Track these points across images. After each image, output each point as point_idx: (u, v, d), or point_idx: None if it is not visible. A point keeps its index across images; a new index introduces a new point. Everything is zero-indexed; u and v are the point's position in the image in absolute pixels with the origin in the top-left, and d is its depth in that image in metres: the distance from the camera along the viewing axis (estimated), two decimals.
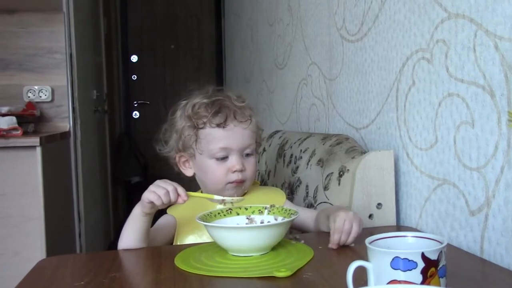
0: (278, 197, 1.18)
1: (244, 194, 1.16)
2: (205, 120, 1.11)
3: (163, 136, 1.19)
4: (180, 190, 0.97)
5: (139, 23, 4.56)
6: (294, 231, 1.20)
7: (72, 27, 2.53)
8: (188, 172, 1.18)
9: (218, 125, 1.11)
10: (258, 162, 1.85)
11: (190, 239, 1.10)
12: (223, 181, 1.11)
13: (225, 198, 1.05)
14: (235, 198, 1.07)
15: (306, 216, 1.12)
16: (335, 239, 0.92)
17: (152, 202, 0.96)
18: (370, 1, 1.28)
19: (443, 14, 0.97)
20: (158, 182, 0.98)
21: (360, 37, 1.35)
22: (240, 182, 1.11)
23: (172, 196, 0.96)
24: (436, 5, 0.99)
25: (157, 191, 0.95)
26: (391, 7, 1.17)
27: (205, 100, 1.14)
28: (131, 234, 1.00)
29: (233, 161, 1.10)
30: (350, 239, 0.92)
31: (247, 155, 1.13)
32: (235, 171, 1.10)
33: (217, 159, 1.11)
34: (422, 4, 1.04)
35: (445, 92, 0.97)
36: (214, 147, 1.10)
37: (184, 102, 1.18)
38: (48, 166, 2.05)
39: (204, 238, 1.09)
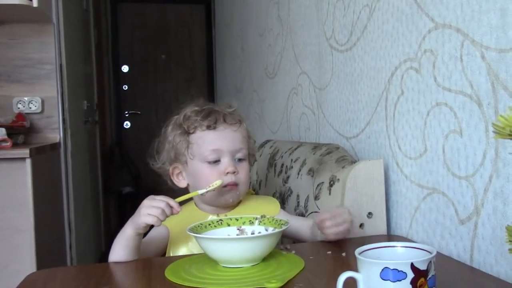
0: (272, 206, 1.18)
1: (238, 204, 1.17)
2: (196, 124, 1.13)
3: (156, 151, 1.19)
4: (172, 202, 0.97)
5: (129, 34, 4.56)
6: (287, 240, 1.20)
7: (62, 38, 2.52)
8: (181, 183, 1.18)
9: (208, 127, 1.12)
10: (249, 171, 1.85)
11: (183, 250, 1.10)
12: None
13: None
14: (229, 213, 1.09)
15: (301, 225, 1.12)
16: (324, 215, 0.97)
17: (151, 225, 0.96)
18: (358, 11, 1.29)
19: (430, 24, 0.98)
20: (147, 202, 0.97)
21: (349, 47, 1.36)
22: (234, 185, 1.11)
23: (168, 212, 0.96)
24: (424, 16, 1.00)
25: (153, 213, 0.95)
26: (379, 18, 1.18)
27: (195, 108, 1.16)
28: (124, 251, 0.99)
29: (225, 163, 1.10)
30: (332, 230, 0.96)
31: (240, 160, 1.13)
32: (227, 173, 1.10)
33: (209, 162, 1.11)
34: (410, 14, 1.05)
35: (433, 101, 0.98)
36: (205, 149, 1.11)
37: (176, 116, 1.19)
38: (38, 177, 2.04)
39: (196, 248, 1.08)
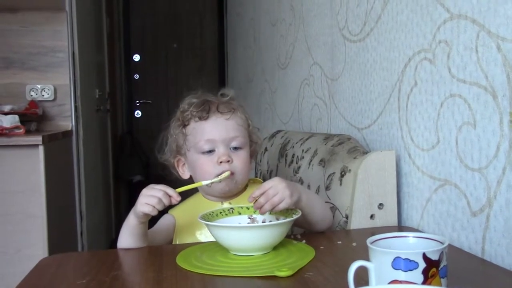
0: None
1: (243, 191, 1.17)
2: (189, 116, 1.14)
3: (163, 144, 1.21)
4: (170, 191, 0.97)
5: (141, 22, 4.56)
6: (298, 229, 1.20)
7: (74, 26, 2.53)
8: (185, 175, 1.19)
9: (201, 118, 1.12)
10: (260, 161, 1.85)
11: (189, 239, 1.10)
12: (211, 174, 1.09)
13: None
14: (233, 201, 1.11)
15: None
16: (255, 193, 0.95)
17: (148, 214, 0.96)
18: (372, 1, 1.28)
19: (446, 14, 0.97)
20: (145, 191, 0.96)
21: (362, 37, 1.35)
22: (230, 174, 1.10)
23: (165, 201, 0.96)
24: (439, 6, 0.99)
25: (150, 202, 0.95)
26: (393, 8, 1.17)
27: (193, 100, 1.16)
28: (130, 239, 1.00)
29: (219, 152, 1.10)
30: (267, 206, 0.93)
31: (236, 148, 1.13)
32: (221, 162, 1.10)
33: (204, 152, 1.11)
34: (425, 4, 1.04)
35: (447, 92, 0.97)
36: (199, 140, 1.11)
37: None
38: (50, 164, 2.06)
39: (203, 237, 1.09)
